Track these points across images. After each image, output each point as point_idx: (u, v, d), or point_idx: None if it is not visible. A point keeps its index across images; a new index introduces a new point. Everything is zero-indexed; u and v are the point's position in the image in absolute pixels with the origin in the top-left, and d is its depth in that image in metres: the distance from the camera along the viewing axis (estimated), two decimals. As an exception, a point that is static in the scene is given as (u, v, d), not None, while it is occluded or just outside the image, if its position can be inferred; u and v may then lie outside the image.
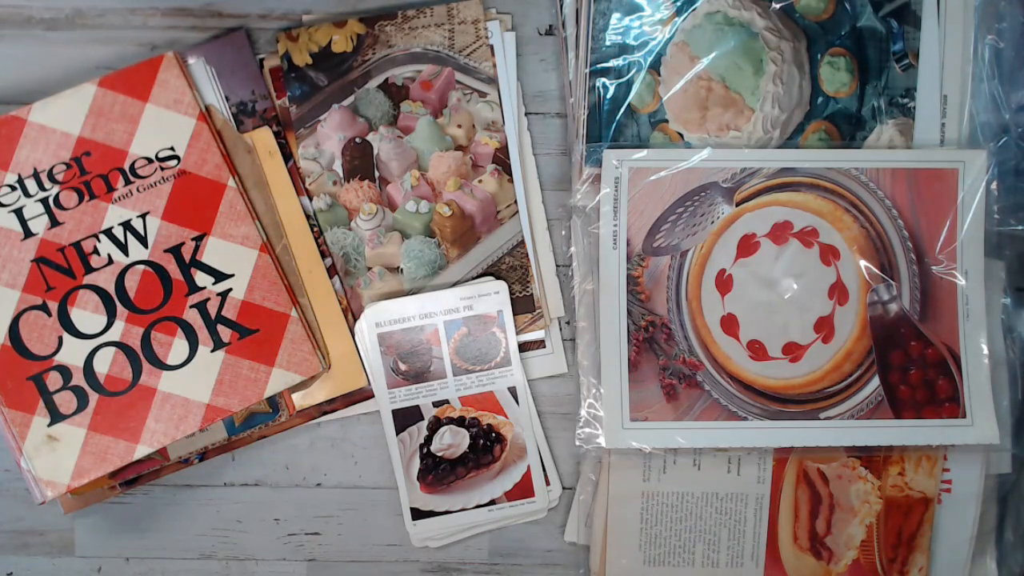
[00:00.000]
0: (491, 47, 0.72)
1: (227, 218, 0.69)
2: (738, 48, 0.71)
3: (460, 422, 0.72)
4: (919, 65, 0.72)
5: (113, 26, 0.72)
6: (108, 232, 0.68)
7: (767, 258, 0.71)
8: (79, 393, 0.67)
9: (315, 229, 0.72)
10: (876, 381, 0.70)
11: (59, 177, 0.68)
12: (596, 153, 0.71)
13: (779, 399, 0.71)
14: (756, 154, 0.71)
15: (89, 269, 0.68)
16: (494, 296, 0.72)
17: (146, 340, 0.68)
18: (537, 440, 0.73)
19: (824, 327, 0.71)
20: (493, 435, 0.72)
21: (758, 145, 0.71)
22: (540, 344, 0.73)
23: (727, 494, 0.72)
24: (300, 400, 0.71)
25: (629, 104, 0.71)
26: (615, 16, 0.71)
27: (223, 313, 0.68)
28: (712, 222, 0.71)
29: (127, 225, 0.68)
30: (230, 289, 0.69)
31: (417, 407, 0.72)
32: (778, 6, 0.71)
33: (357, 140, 0.72)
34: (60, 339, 0.67)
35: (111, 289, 0.68)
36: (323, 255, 0.72)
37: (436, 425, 0.72)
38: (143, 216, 0.68)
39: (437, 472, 0.72)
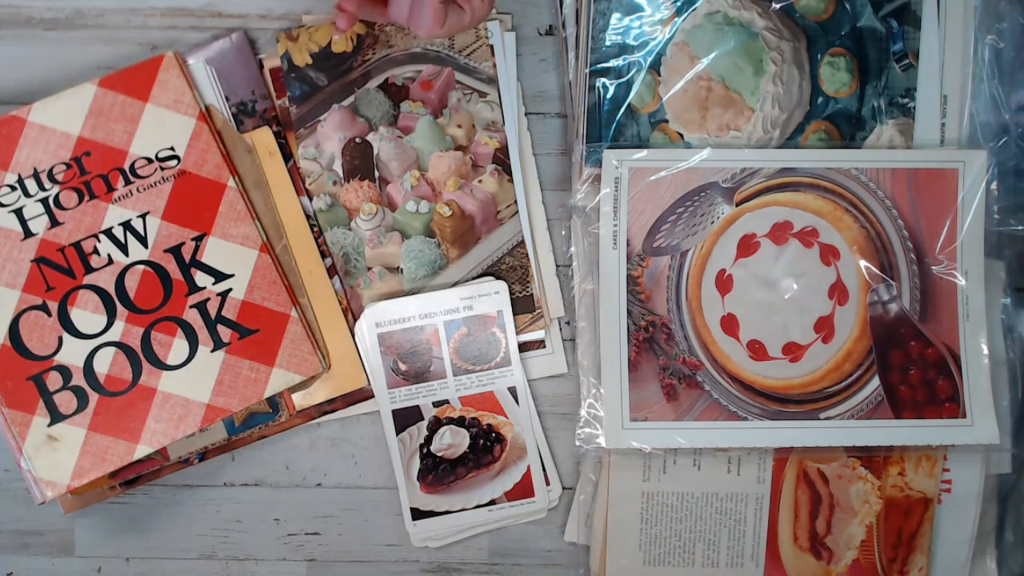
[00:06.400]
0: (491, 47, 0.72)
1: (227, 218, 0.69)
2: (738, 48, 0.71)
3: (460, 422, 0.72)
4: (919, 65, 0.72)
5: (113, 26, 0.72)
6: (108, 232, 0.68)
7: (767, 258, 0.71)
8: (79, 393, 0.67)
9: (315, 229, 0.72)
10: (876, 381, 0.70)
11: (59, 177, 0.68)
12: (596, 153, 0.71)
13: (779, 399, 0.71)
14: (756, 154, 0.71)
15: (89, 269, 0.68)
16: (494, 296, 0.71)
17: (146, 340, 0.67)
18: (537, 440, 0.73)
19: (824, 327, 0.71)
20: (493, 435, 0.72)
21: (758, 145, 0.71)
22: (540, 344, 0.73)
23: (727, 494, 0.72)
24: (300, 400, 0.71)
25: (629, 104, 0.71)
26: (615, 16, 0.71)
27: (223, 313, 0.68)
28: (712, 222, 0.71)
29: (127, 225, 0.68)
30: (230, 289, 0.69)
31: (417, 407, 0.72)
32: (778, 6, 0.71)
33: (357, 140, 0.72)
34: (60, 339, 0.67)
35: (111, 289, 0.68)
36: (323, 255, 0.72)
37: (436, 425, 0.72)
38: (143, 216, 0.68)
39: (437, 472, 0.72)
